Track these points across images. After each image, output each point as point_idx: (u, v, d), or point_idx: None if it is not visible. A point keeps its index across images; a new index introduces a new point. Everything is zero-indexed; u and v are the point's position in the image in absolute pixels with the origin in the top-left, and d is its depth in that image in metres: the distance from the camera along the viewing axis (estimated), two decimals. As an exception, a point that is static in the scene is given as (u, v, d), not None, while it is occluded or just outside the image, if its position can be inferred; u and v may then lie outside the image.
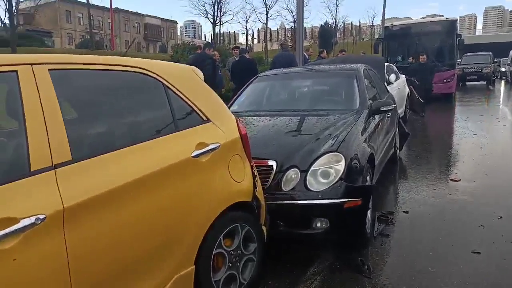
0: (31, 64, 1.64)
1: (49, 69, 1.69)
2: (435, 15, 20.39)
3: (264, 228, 2.59)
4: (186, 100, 2.26)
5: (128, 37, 56.61)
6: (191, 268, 2.09)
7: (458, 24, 15.14)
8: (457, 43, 13.65)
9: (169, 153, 2.02)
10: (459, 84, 19.31)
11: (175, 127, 2.17)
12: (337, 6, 53.00)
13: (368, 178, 3.19)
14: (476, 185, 4.37)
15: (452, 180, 4.60)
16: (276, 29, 78.37)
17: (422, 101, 9.84)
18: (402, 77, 9.56)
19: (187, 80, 2.37)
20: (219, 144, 2.28)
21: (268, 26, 51.98)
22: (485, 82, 20.07)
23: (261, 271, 2.51)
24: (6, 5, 20.74)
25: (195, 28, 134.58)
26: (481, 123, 8.75)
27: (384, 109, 3.94)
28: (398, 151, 5.65)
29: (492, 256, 2.78)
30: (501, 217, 3.44)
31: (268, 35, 64.65)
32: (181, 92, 2.24)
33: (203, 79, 2.52)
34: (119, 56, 2.12)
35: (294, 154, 2.89)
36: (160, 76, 2.17)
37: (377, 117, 4.01)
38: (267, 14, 46.16)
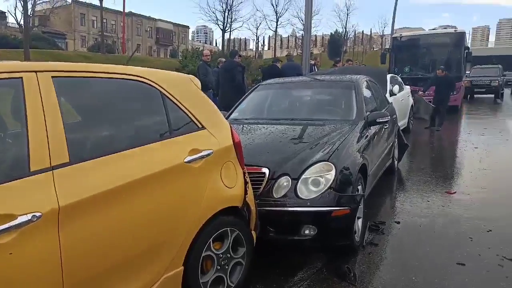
0: (36, 72, 1.76)
1: (52, 76, 1.81)
2: (447, 26, 20.35)
3: (253, 233, 2.68)
4: (182, 107, 2.37)
5: (140, 41, 57.28)
6: (180, 269, 2.18)
7: (467, 37, 15.12)
8: (465, 55, 13.66)
9: (162, 158, 2.13)
10: (467, 97, 19.22)
11: (170, 134, 2.28)
12: (347, 15, 53.23)
13: (359, 188, 3.27)
14: (470, 198, 4.43)
15: (447, 192, 4.67)
16: (286, 36, 78.82)
17: (433, 105, 9.85)
18: (407, 88, 9.62)
19: (184, 88, 2.48)
20: (212, 151, 2.39)
21: (278, 33, 52.36)
22: (492, 95, 19.84)
23: (249, 275, 2.60)
24: (21, 6, 21.28)
25: (206, 33, 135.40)
26: (483, 137, 8.78)
27: (380, 120, 4.02)
28: (396, 162, 5.71)
29: (477, 268, 2.85)
30: (490, 230, 3.50)
31: (279, 42, 64.97)
32: (177, 100, 2.36)
33: (200, 87, 2.64)
34: (120, 65, 2.24)
35: (286, 162, 2.99)
36: (158, 84, 2.28)
37: (373, 128, 4.09)
38: (277, 22, 46.62)
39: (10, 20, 40.17)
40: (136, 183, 1.95)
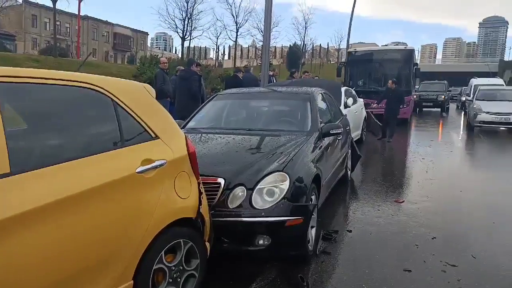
0: (-25, 76, 1.66)
1: (-6, 82, 1.72)
2: (398, 42, 21.67)
3: (207, 244, 2.66)
4: (135, 116, 2.33)
5: (96, 46, 55.59)
6: (129, 283, 2.10)
7: (416, 53, 16.00)
8: (414, 71, 14.46)
9: (113, 169, 2.07)
10: (416, 110, 20.28)
11: (122, 143, 2.22)
12: (305, 28, 54.63)
13: (313, 197, 3.34)
14: (417, 207, 4.65)
15: (396, 201, 4.87)
16: (247, 46, 79.69)
17: (380, 124, 10.33)
18: (360, 101, 9.99)
19: (137, 97, 2.43)
20: (165, 161, 2.35)
21: (239, 43, 52.85)
22: (439, 109, 21.13)
23: (202, 287, 2.56)
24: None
25: (166, 40, 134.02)
26: (430, 148, 9.29)
27: (334, 132, 4.14)
28: (349, 172, 5.89)
29: (421, 274, 2.98)
30: (434, 237, 3.69)
31: (239, 52, 65.49)
32: (130, 109, 2.31)
33: (155, 96, 2.60)
34: (70, 72, 2.16)
35: (242, 172, 3.00)
36: (110, 92, 2.22)
37: (327, 139, 4.21)
38: (237, 32, 47.06)
39: (-48, 18, 37.60)
40: (84, 194, 1.87)
